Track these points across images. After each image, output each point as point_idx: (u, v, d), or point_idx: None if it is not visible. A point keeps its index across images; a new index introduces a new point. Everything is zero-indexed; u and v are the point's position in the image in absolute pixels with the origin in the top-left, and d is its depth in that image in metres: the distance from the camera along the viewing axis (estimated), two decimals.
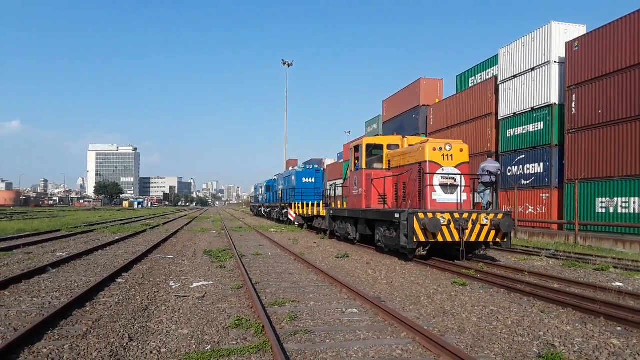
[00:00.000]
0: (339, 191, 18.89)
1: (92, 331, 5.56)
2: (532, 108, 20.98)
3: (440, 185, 11.78)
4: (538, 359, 4.78)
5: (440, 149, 11.89)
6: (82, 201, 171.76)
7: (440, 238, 11.02)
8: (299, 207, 26.95)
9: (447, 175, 11.81)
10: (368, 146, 15.14)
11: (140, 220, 37.45)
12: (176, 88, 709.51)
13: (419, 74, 41.77)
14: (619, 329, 5.89)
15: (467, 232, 11.11)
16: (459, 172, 11.88)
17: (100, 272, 9.94)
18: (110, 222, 32.71)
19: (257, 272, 10.10)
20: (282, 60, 53.99)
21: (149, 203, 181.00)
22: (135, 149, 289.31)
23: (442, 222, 10.88)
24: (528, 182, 21.08)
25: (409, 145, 14.12)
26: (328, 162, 54.76)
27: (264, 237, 20.03)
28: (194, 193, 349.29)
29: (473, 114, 25.16)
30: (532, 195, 20.77)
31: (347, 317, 6.31)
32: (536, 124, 20.82)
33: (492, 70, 25.68)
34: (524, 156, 21.50)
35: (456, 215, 11.07)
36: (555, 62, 20.01)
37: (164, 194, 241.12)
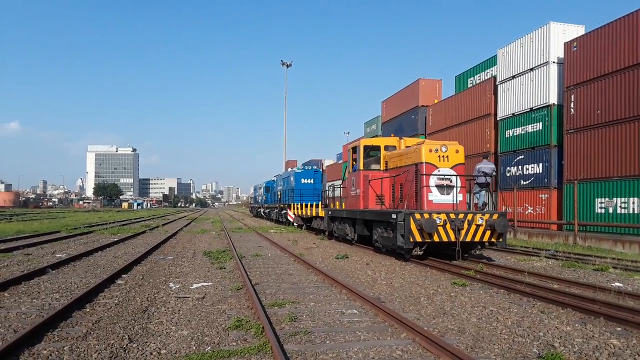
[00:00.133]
0: (338, 192, 19.00)
1: (92, 332, 5.56)
2: (531, 108, 21.00)
3: (437, 186, 11.96)
4: None
5: (437, 150, 12.09)
6: (81, 202, 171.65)
7: (436, 238, 11.17)
8: (297, 208, 26.96)
9: (443, 176, 12.01)
10: (365, 147, 15.26)
11: (140, 221, 37.42)
12: (175, 89, 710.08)
13: (417, 75, 41.86)
14: (619, 329, 5.89)
15: (463, 232, 11.28)
16: (455, 173, 12.05)
17: (100, 273, 9.93)
18: (110, 223, 32.69)
19: (256, 273, 10.10)
20: (281, 61, 54.05)
21: (149, 204, 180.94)
22: (134, 150, 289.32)
23: (438, 222, 11.03)
24: (527, 182, 21.10)
25: (406, 147, 14.28)
26: (327, 162, 54.75)
27: (264, 238, 20.03)
28: (194, 194, 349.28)
29: (472, 114, 25.19)
30: (531, 195, 20.79)
31: (347, 318, 6.31)
32: (535, 124, 20.85)
33: (491, 70, 25.70)
34: (523, 157, 21.52)
35: (452, 216, 11.23)
36: (554, 62, 20.03)
37: (163, 195, 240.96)
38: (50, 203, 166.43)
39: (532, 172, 20.87)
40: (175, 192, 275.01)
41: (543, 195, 20.17)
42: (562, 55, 19.65)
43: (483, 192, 14.31)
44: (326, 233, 19.58)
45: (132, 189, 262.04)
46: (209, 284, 8.82)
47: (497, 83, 23.30)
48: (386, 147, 14.96)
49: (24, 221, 32.95)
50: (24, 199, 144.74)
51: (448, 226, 11.16)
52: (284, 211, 31.06)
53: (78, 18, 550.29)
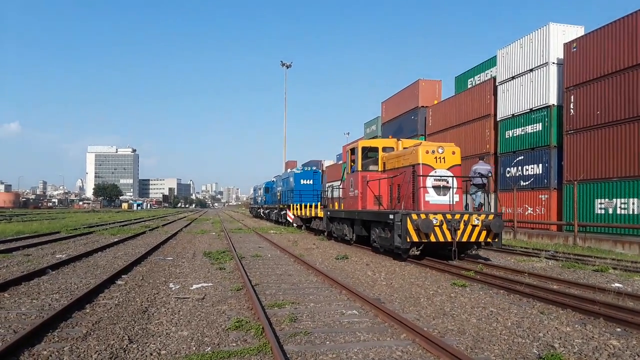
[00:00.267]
0: (337, 193, 19.11)
1: (92, 333, 5.56)
2: (531, 109, 21.01)
3: (433, 187, 12.13)
4: None
5: (433, 151, 12.27)
6: (81, 203, 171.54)
7: (433, 238, 11.34)
8: (297, 209, 26.98)
9: (439, 178, 12.18)
10: (364, 149, 15.40)
11: (140, 222, 37.42)
12: (175, 89, 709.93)
13: (417, 75, 41.93)
14: (619, 330, 5.90)
15: (459, 232, 11.45)
16: (451, 174, 12.23)
17: (100, 274, 9.93)
18: (110, 223, 32.69)
19: (256, 274, 10.10)
20: (281, 61, 54.02)
21: (148, 205, 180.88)
22: (134, 150, 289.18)
23: (434, 222, 11.21)
24: (527, 183, 21.11)
25: (404, 148, 14.42)
26: (327, 163, 54.70)
27: (263, 238, 20.03)
28: (193, 195, 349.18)
29: (472, 115, 25.20)
30: (531, 196, 20.79)
31: (347, 319, 6.32)
32: (535, 125, 20.86)
33: (491, 71, 25.72)
34: (522, 157, 21.52)
35: (448, 216, 11.39)
36: (553, 63, 20.05)
37: (163, 195, 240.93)
38: (50, 204, 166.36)
39: (532, 173, 20.88)
40: (175, 193, 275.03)
41: (543, 196, 20.18)
42: (561, 56, 19.67)
43: (479, 193, 14.48)
44: (325, 233, 19.63)
45: (132, 190, 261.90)
46: (209, 284, 8.83)
47: (497, 84, 23.32)
48: (384, 149, 15.09)
49: (23, 222, 32.94)
50: (23, 199, 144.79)
51: (444, 226, 11.33)
52: (284, 212, 31.09)
53: (78, 18, 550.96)
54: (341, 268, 11.13)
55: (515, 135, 21.99)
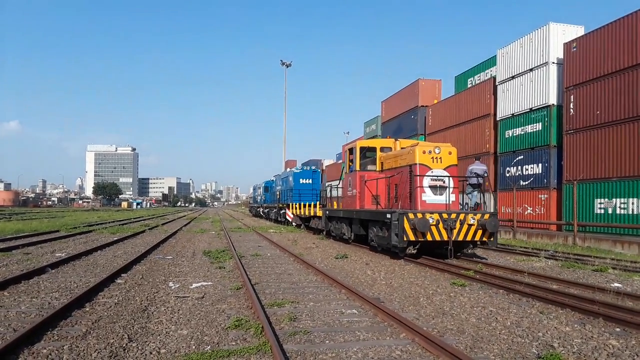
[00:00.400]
0: (335, 192, 19.18)
1: (92, 332, 5.56)
2: (531, 109, 21.02)
3: (430, 186, 12.30)
4: None
5: (430, 152, 12.45)
6: (80, 202, 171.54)
7: (429, 237, 11.48)
8: (296, 208, 27.01)
9: (436, 177, 12.35)
10: (362, 149, 15.56)
11: (139, 220, 37.42)
12: (175, 88, 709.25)
13: (417, 75, 41.94)
14: (618, 329, 5.91)
15: (455, 231, 11.61)
16: (448, 174, 12.41)
17: (100, 272, 9.93)
18: (109, 222, 32.69)
19: (256, 273, 10.10)
20: (281, 60, 54.01)
21: (148, 203, 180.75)
22: (133, 149, 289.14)
23: (431, 222, 11.36)
24: (527, 182, 21.12)
25: (401, 148, 14.59)
26: (327, 162, 54.76)
27: (263, 237, 20.04)
28: (193, 193, 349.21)
29: (471, 114, 25.20)
30: (531, 196, 20.81)
31: (346, 318, 6.32)
32: (534, 124, 20.86)
33: (491, 71, 25.72)
34: (522, 157, 21.53)
35: (444, 216, 11.55)
36: (553, 63, 20.05)
37: (162, 194, 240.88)
38: (50, 202, 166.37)
39: (532, 173, 20.89)
40: (175, 192, 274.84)
41: (542, 196, 20.19)
42: (561, 56, 19.67)
43: (475, 193, 14.66)
44: (324, 232, 19.70)
45: (131, 189, 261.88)
46: (209, 283, 8.83)
47: (497, 83, 23.32)
48: (382, 149, 15.24)
49: (23, 220, 32.94)
50: (23, 198, 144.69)
51: (441, 226, 11.48)
52: (283, 211, 31.12)
53: (78, 18, 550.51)
54: (341, 267, 11.14)
55: (515, 134, 22.00)
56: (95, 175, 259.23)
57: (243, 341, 5.28)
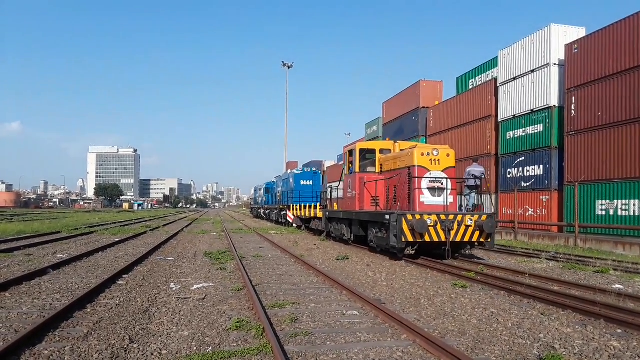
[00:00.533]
0: (335, 193, 19.24)
1: (93, 333, 5.57)
2: (532, 110, 21.02)
3: (428, 188, 12.46)
4: None
5: (428, 154, 12.62)
6: (82, 203, 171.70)
7: (427, 238, 11.64)
8: (297, 209, 27.03)
9: (434, 179, 12.49)
10: (361, 151, 15.70)
11: (141, 222, 37.45)
12: (177, 89, 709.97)
13: (418, 76, 41.96)
14: (619, 331, 5.90)
15: (453, 232, 11.77)
16: (446, 176, 12.58)
17: (101, 273, 9.94)
18: (111, 223, 32.71)
19: (257, 274, 10.11)
20: (282, 62, 54.03)
21: (149, 205, 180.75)
22: (135, 150, 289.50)
23: (429, 223, 11.52)
24: (528, 184, 21.10)
25: (400, 150, 14.75)
26: (328, 163, 54.76)
27: (264, 239, 20.04)
28: (194, 195, 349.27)
29: (473, 116, 25.20)
30: (532, 197, 20.79)
31: (347, 319, 6.32)
32: (536, 126, 20.86)
33: (492, 72, 25.74)
34: (523, 158, 21.52)
35: (442, 217, 11.72)
36: (554, 64, 20.06)
37: (164, 195, 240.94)
38: (51, 203, 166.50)
39: (533, 174, 20.88)
40: (176, 193, 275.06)
41: (544, 197, 20.18)
42: (563, 57, 19.67)
43: (473, 194, 14.78)
44: (324, 234, 19.76)
45: (133, 190, 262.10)
46: (210, 284, 8.84)
47: (498, 85, 23.32)
48: (381, 151, 15.37)
49: (24, 221, 32.99)
50: (25, 199, 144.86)
51: (439, 227, 11.63)
52: (284, 212, 31.14)
53: (79, 18, 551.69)
54: (342, 269, 11.14)
55: (516, 136, 22.00)
56: (96, 177, 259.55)
57: (244, 342, 5.29)
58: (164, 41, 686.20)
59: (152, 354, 4.90)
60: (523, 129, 21.55)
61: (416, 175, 12.33)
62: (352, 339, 5.46)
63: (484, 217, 12.01)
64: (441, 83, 31.71)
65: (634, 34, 16.41)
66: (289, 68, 54.47)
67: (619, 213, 16.63)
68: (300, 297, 7.76)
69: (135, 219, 42.11)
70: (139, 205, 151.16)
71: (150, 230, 25.09)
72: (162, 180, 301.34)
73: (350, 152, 16.25)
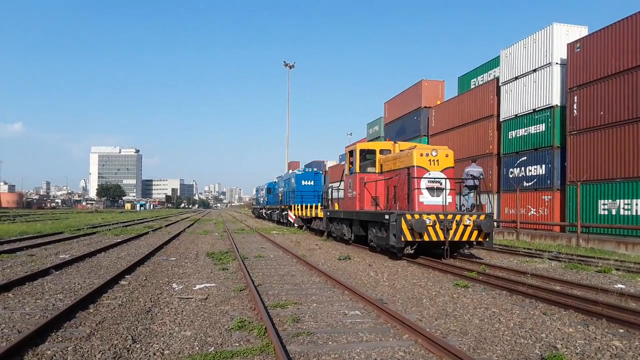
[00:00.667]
0: (336, 194, 19.30)
1: (96, 333, 5.59)
2: (534, 110, 20.99)
3: (427, 188, 12.59)
4: None
5: (427, 154, 12.76)
6: (84, 203, 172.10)
7: (426, 238, 11.78)
8: (298, 209, 27.05)
9: (433, 179, 12.63)
10: (362, 151, 15.83)
11: (143, 222, 37.52)
12: (179, 90, 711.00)
13: (420, 76, 41.91)
14: (621, 331, 5.89)
15: (452, 232, 11.90)
16: (445, 176, 12.72)
17: (103, 274, 9.97)
18: (113, 224, 32.78)
19: (259, 274, 10.12)
20: (284, 62, 54.04)
21: (151, 205, 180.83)
22: (137, 151, 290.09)
23: (428, 222, 11.65)
24: (530, 184, 21.08)
25: (400, 151, 14.85)
26: (330, 164, 54.82)
27: (266, 239, 20.06)
28: (196, 195, 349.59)
29: (475, 115, 25.18)
30: (534, 197, 20.76)
31: (349, 319, 6.33)
32: (538, 125, 20.83)
33: (494, 71, 25.70)
34: (525, 158, 21.50)
35: (441, 217, 11.84)
36: (557, 63, 20.03)
37: (166, 196, 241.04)
38: (54, 204, 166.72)
39: (535, 174, 20.85)
40: (178, 193, 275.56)
41: (546, 197, 20.15)
42: (565, 57, 19.64)
43: (471, 194, 14.89)
44: (325, 234, 19.80)
45: (135, 190, 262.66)
46: (212, 284, 8.85)
47: (500, 84, 23.30)
48: (381, 151, 15.47)
49: (27, 222, 33.07)
50: (27, 200, 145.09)
51: (437, 226, 11.75)
52: (285, 212, 31.18)
53: (80, 18, 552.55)
54: (344, 269, 11.15)
55: (518, 135, 21.97)
56: (99, 177, 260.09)
57: (246, 342, 5.30)
58: (164, 41, 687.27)
59: (154, 354, 4.91)
60: (525, 129, 21.52)
61: (415, 176, 12.44)
62: (354, 339, 5.46)
63: (482, 217, 12.14)
64: (443, 83, 31.72)
65: (636, 33, 16.37)
66: (290, 68, 54.46)
67: (622, 213, 16.60)
68: (302, 297, 7.77)
69: (138, 220, 42.19)
70: (141, 205, 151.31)
71: (152, 230, 25.13)
72: (164, 180, 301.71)
73: (351, 153, 16.36)
